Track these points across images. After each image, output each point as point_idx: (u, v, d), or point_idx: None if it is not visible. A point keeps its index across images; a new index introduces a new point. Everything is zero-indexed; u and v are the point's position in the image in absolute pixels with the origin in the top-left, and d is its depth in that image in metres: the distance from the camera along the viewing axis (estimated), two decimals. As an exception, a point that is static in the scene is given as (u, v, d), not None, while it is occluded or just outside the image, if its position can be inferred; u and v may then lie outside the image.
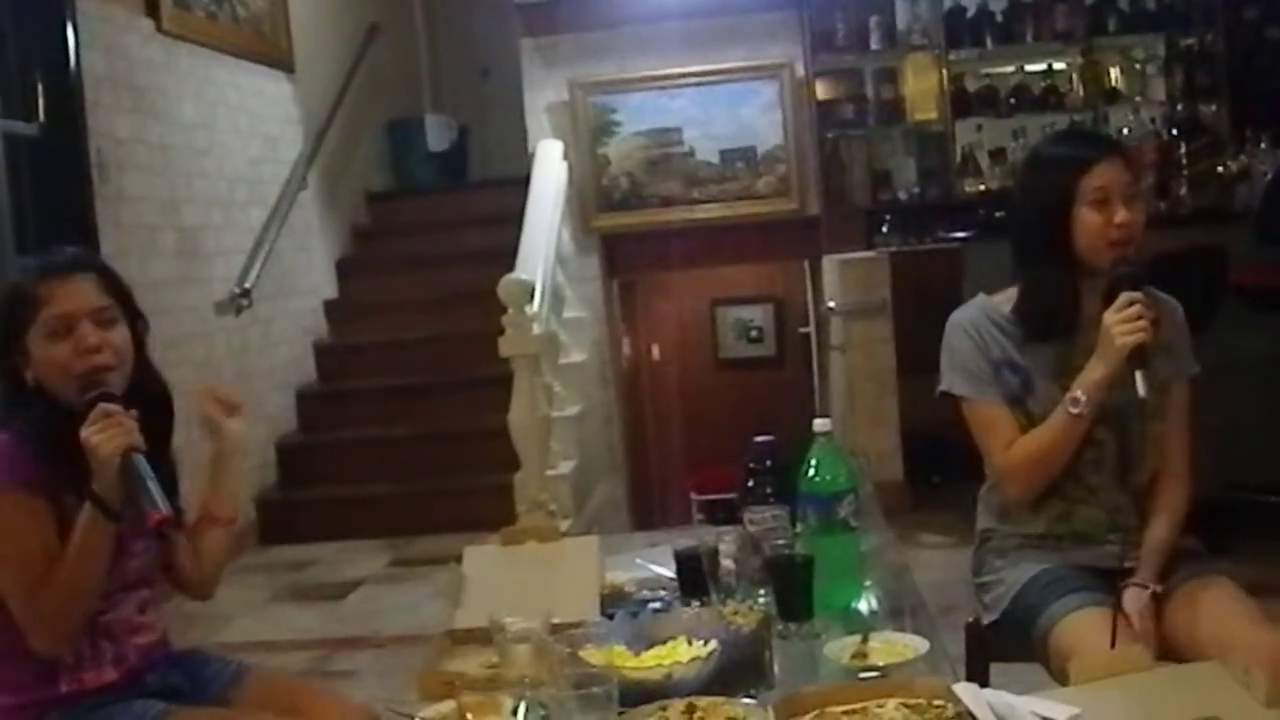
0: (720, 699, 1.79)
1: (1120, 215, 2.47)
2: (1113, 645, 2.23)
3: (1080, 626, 2.36)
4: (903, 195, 6.98)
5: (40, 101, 5.36)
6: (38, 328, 2.21)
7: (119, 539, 2.21)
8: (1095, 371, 2.43)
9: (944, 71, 6.82)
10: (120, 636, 2.31)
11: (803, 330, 8.35)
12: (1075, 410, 2.44)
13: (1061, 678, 2.20)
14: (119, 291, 2.31)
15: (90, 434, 2.10)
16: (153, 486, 2.08)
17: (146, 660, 2.36)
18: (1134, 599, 2.43)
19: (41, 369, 2.23)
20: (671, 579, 2.40)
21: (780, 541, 2.29)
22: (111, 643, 2.30)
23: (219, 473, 2.48)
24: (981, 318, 2.60)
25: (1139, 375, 2.37)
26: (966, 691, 1.71)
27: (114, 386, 2.22)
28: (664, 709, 1.77)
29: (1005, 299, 2.62)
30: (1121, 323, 2.39)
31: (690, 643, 1.97)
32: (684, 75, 7.10)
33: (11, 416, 2.24)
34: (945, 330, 2.64)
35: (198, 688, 2.40)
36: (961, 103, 6.88)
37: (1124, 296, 2.41)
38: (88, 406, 2.14)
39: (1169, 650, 2.40)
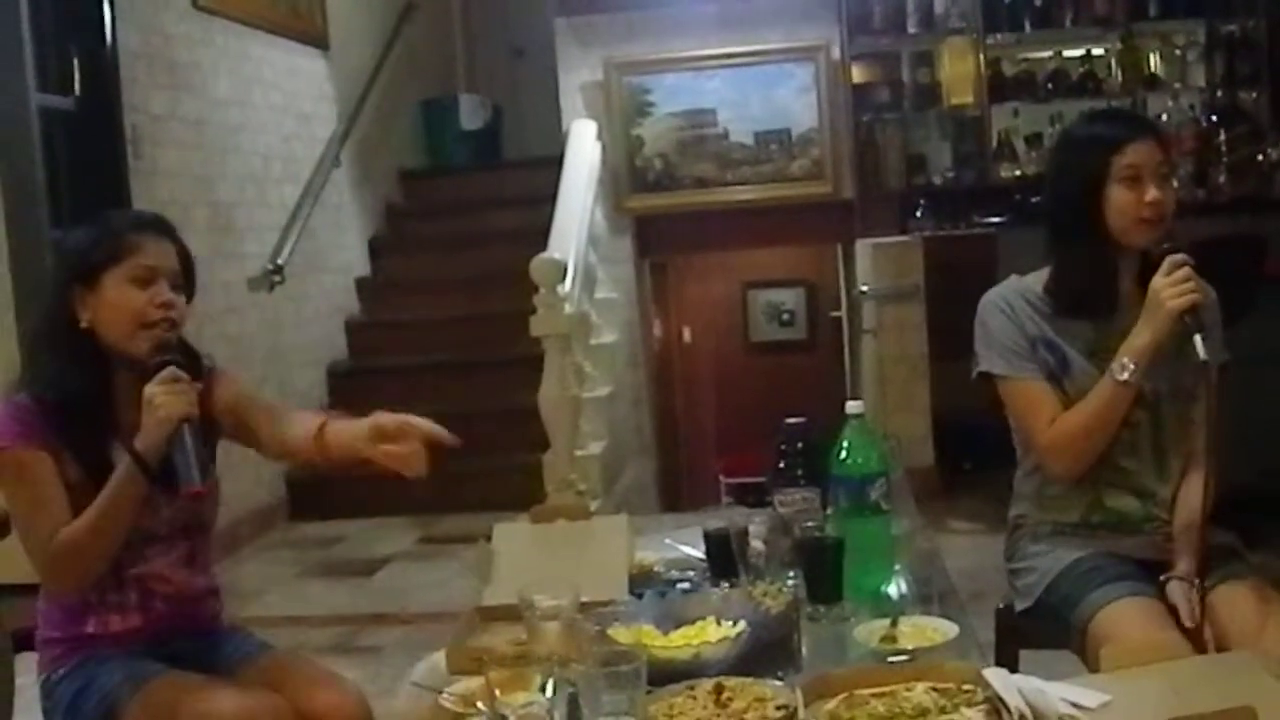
0: (748, 680, 1.79)
1: (1151, 194, 2.45)
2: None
3: (1123, 615, 2.35)
4: (937, 180, 6.94)
5: (76, 76, 5.39)
6: (122, 270, 2.30)
7: (146, 496, 2.29)
8: (1141, 337, 2.40)
9: (981, 56, 6.76)
10: (146, 588, 2.39)
11: (834, 314, 8.32)
12: (1123, 377, 2.40)
13: (1098, 666, 2.19)
14: (186, 267, 2.42)
15: (157, 392, 2.19)
16: (194, 460, 2.17)
17: (175, 612, 2.42)
18: (1180, 592, 2.40)
19: (110, 311, 2.30)
20: (701, 560, 2.40)
21: (810, 523, 2.28)
22: (137, 593, 2.38)
23: (356, 448, 2.57)
24: (1015, 296, 2.58)
25: (1198, 338, 2.32)
26: (996, 676, 1.70)
27: (177, 350, 2.32)
28: (692, 689, 1.77)
29: (1037, 279, 2.60)
30: (1171, 286, 2.36)
31: (719, 623, 1.97)
32: (719, 56, 7.07)
33: (46, 359, 2.33)
34: (978, 311, 2.61)
35: (219, 657, 2.45)
36: (998, 87, 6.83)
37: (1170, 260, 2.38)
38: (157, 368, 2.24)
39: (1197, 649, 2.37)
